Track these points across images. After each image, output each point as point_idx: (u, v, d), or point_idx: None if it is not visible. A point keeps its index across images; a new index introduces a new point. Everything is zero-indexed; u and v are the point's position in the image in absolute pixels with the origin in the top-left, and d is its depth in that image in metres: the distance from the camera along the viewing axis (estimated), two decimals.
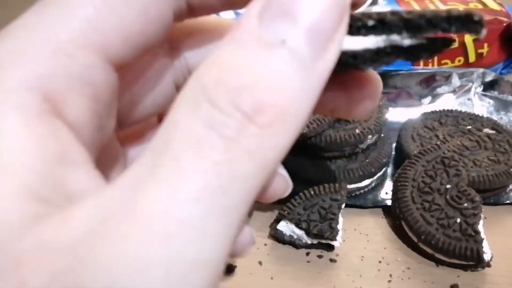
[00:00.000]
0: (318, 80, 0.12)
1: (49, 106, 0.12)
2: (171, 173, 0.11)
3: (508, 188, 0.39)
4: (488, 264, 0.33)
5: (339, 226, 0.35)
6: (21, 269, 0.10)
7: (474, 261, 0.33)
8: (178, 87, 0.19)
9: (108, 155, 0.17)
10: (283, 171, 0.17)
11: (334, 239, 0.35)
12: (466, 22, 0.13)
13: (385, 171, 0.42)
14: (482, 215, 0.34)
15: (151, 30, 0.15)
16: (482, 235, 0.33)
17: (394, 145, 0.44)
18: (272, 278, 0.34)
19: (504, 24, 0.50)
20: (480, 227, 0.34)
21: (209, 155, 0.11)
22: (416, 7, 0.53)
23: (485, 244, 0.33)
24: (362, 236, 0.37)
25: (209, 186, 0.11)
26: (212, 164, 0.11)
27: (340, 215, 0.36)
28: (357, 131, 0.39)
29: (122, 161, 0.18)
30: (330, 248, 0.36)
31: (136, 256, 0.10)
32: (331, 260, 0.36)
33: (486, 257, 0.33)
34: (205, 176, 0.11)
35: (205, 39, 0.18)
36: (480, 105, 0.47)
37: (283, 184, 0.17)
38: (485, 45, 0.50)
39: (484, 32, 0.13)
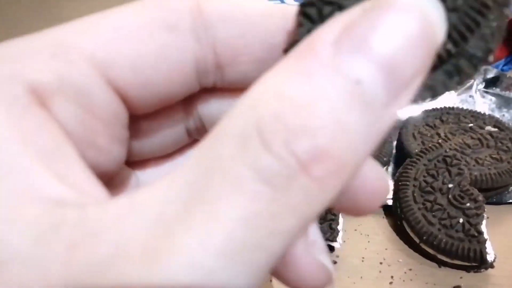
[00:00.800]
0: (382, 130, 0.10)
1: (36, 99, 0.12)
2: (205, 219, 0.10)
3: (511, 187, 0.39)
4: (491, 265, 0.33)
5: (340, 227, 0.35)
6: None
7: (477, 262, 0.32)
8: (189, 133, 0.18)
9: (118, 181, 0.16)
10: (326, 260, 0.14)
11: (334, 240, 0.34)
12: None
13: (386, 171, 0.41)
14: (485, 215, 0.34)
15: (166, 73, 0.14)
16: (485, 235, 0.33)
17: (394, 143, 0.43)
18: (271, 280, 0.34)
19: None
20: (483, 227, 0.33)
21: (251, 205, 0.10)
22: None
23: (488, 245, 0.32)
24: (362, 236, 0.37)
25: (242, 241, 0.10)
26: (251, 215, 0.10)
27: (340, 216, 0.35)
28: None
29: (134, 183, 0.17)
30: (330, 249, 0.35)
31: None
32: (331, 262, 0.35)
33: (490, 258, 0.32)
34: (240, 229, 0.10)
35: (221, 96, 0.17)
36: (482, 102, 0.46)
37: (323, 274, 0.14)
38: None
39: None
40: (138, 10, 0.14)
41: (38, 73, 0.12)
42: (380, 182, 0.14)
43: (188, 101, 0.16)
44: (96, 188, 0.12)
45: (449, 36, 0.11)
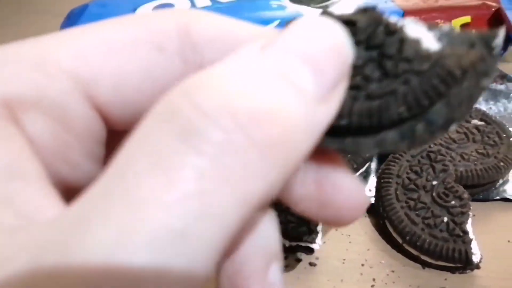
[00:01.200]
0: (318, 125, 0.11)
1: (6, 111, 0.11)
2: (123, 208, 0.08)
3: (497, 183, 0.37)
4: (477, 266, 0.31)
5: (319, 228, 0.33)
6: None
7: (462, 263, 0.31)
8: None
9: None
10: None
11: (313, 241, 0.32)
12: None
13: (369, 167, 0.40)
14: (470, 213, 0.32)
15: (150, 92, 0.13)
16: (471, 235, 0.31)
17: None
18: None
19: (493, 10, 0.48)
20: (469, 226, 0.31)
21: (177, 183, 0.08)
22: None
23: (473, 245, 0.31)
24: (343, 237, 0.35)
25: (171, 229, 0.08)
26: (179, 197, 0.08)
27: None
28: None
29: None
30: (310, 251, 0.34)
31: None
32: (311, 264, 0.33)
33: (475, 258, 0.30)
34: (166, 215, 0.08)
35: None
36: None
37: None
38: (473, 31, 0.47)
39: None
40: (124, 27, 0.13)
41: (14, 85, 0.11)
42: (359, 194, 0.14)
43: None
44: (53, 208, 0.11)
45: (404, 100, 0.11)
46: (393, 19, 0.12)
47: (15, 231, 0.10)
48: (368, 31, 0.11)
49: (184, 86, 0.10)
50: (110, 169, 0.09)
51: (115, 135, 0.14)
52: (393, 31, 0.11)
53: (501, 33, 0.11)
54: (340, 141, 0.12)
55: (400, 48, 0.11)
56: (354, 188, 0.14)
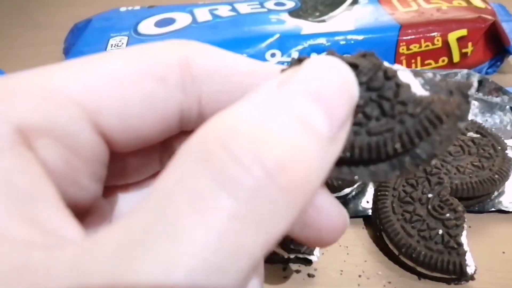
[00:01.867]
0: (329, 163, 0.12)
1: (22, 139, 0.12)
2: (165, 241, 0.09)
3: (493, 195, 0.38)
4: (471, 277, 0.32)
5: None
6: None
7: (457, 274, 0.31)
8: (163, 164, 0.18)
9: (95, 217, 0.16)
10: None
11: (311, 253, 0.33)
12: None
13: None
14: (466, 225, 0.33)
15: (151, 121, 0.14)
16: (465, 247, 0.32)
17: None
18: None
19: (489, 23, 0.48)
20: (463, 238, 0.32)
21: (215, 222, 0.09)
22: (399, 5, 0.51)
23: (468, 257, 0.31)
24: (341, 248, 0.36)
25: (207, 264, 0.09)
26: (216, 234, 0.09)
27: None
28: None
29: (107, 209, 0.18)
30: (308, 262, 0.34)
31: None
32: (309, 275, 0.34)
33: (470, 270, 0.31)
34: (204, 250, 0.09)
35: None
36: None
37: None
38: (470, 44, 0.48)
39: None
40: (129, 59, 0.14)
41: (28, 114, 0.12)
42: (339, 217, 0.15)
43: (166, 139, 0.17)
44: (71, 228, 0.12)
45: (400, 137, 0.13)
46: (387, 64, 0.13)
47: (49, 250, 0.10)
48: (369, 75, 0.13)
49: (216, 131, 0.10)
50: (149, 203, 0.10)
51: (115, 156, 0.15)
52: (390, 77, 0.13)
53: (475, 83, 0.13)
54: (337, 170, 0.13)
55: (396, 92, 0.13)
56: (334, 211, 0.14)
